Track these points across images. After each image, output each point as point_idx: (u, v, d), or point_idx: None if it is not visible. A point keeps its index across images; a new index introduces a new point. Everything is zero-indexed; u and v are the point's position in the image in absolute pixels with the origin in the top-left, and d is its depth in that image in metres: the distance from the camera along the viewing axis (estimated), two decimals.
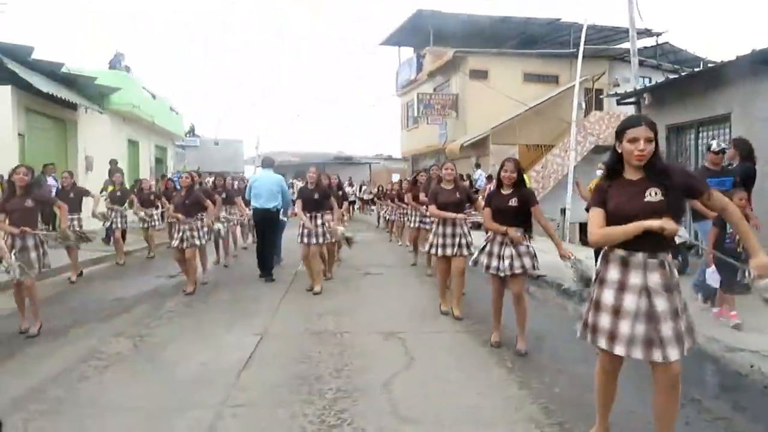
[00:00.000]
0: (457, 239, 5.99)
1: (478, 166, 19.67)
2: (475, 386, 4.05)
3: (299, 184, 8.26)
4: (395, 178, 31.38)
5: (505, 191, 4.92)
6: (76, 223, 8.75)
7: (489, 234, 5.11)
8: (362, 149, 66.13)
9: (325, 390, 3.97)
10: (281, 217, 9.30)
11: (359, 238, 16.47)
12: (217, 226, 8.09)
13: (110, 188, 11.13)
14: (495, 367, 4.52)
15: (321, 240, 7.49)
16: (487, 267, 4.95)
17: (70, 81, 14.02)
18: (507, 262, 4.82)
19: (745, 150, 6.60)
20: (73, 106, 14.34)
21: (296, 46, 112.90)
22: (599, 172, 6.47)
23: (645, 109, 10.05)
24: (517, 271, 4.83)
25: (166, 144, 24.50)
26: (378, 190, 20.72)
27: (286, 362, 4.63)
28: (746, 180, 6.38)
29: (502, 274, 4.90)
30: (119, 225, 10.45)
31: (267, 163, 9.67)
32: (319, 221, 7.39)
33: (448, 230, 6.03)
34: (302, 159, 42.85)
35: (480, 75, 21.61)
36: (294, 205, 7.53)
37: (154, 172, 21.62)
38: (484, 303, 6.80)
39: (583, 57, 17.93)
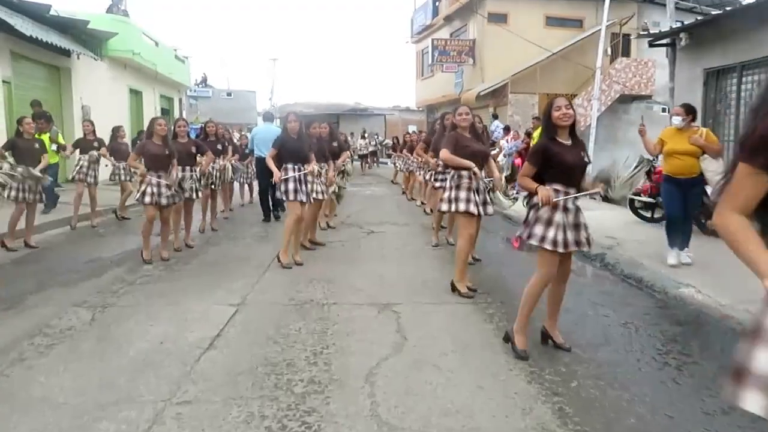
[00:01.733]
0: (482, 196, 5.18)
1: (495, 116, 18.66)
2: (474, 379, 3.36)
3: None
4: (411, 129, 30.42)
5: (565, 139, 3.69)
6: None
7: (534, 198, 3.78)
8: (379, 100, 64.63)
9: (295, 381, 3.32)
10: None
11: (368, 192, 15.93)
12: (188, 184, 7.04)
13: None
14: (500, 352, 3.82)
15: (317, 196, 6.70)
16: (554, 242, 3.59)
17: (61, 25, 13.21)
18: (570, 235, 3.66)
19: None
20: (66, 52, 13.55)
21: None
22: (676, 120, 5.88)
23: (680, 52, 9.01)
24: (584, 247, 3.79)
25: (172, 94, 23.67)
26: (393, 141, 19.81)
27: (258, 342, 3.98)
28: None
29: (565, 250, 3.64)
30: (86, 179, 8.98)
31: (267, 117, 11.35)
32: (309, 177, 6.48)
33: (473, 184, 5.09)
34: (316, 110, 41.81)
35: (499, 19, 20.26)
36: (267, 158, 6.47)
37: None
38: (494, 268, 6.12)
39: None
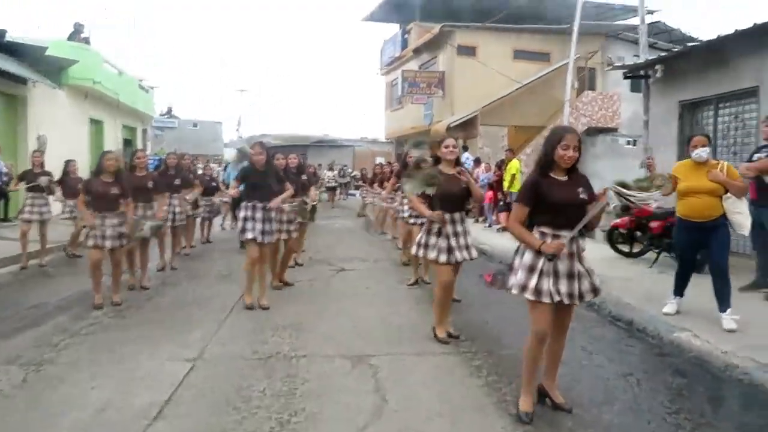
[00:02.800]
0: (463, 239, 4.67)
1: (465, 148, 18.47)
2: None
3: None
4: (379, 161, 30.20)
5: (561, 176, 3.27)
6: None
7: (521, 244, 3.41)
8: (347, 131, 64.57)
9: None
10: None
11: (338, 225, 15.47)
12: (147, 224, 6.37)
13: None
14: (494, 415, 3.38)
15: (277, 235, 6.16)
16: (537, 292, 3.17)
17: (17, 51, 12.59)
18: (564, 285, 3.20)
19: None
20: (23, 80, 12.89)
21: (277, 25, 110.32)
22: (702, 153, 4.88)
23: (654, 85, 8.92)
24: (587, 296, 3.33)
25: (135, 124, 22.97)
26: (362, 173, 19.43)
27: (215, 407, 3.45)
28: None
29: (551, 300, 3.19)
30: (31, 217, 8.30)
31: (241, 150, 11.65)
32: (272, 213, 5.94)
33: (458, 228, 4.64)
34: (284, 142, 41.40)
35: (468, 51, 20.32)
36: (230, 189, 5.98)
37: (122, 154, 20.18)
38: (476, 311, 5.70)
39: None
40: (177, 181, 8.22)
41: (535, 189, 3.22)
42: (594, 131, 20.59)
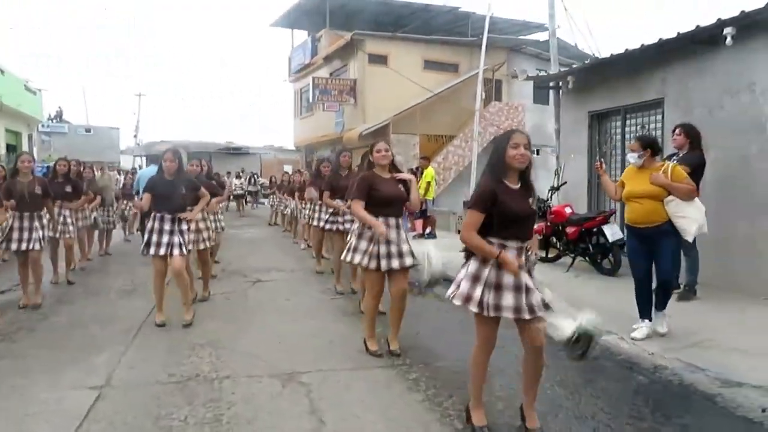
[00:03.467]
0: (400, 247, 4.41)
1: None
2: None
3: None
4: (287, 168, 29.63)
5: (514, 184, 3.07)
6: None
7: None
8: (252, 139, 63.08)
9: None
10: None
11: (248, 235, 14.89)
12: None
13: None
14: (439, 430, 3.19)
15: (191, 246, 5.66)
16: (480, 304, 3.01)
17: None
18: (510, 298, 3.00)
19: (696, 137, 5.87)
20: None
21: (180, 27, 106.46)
22: (631, 158, 4.82)
23: (566, 95, 9.23)
24: (538, 312, 3.03)
25: (20, 128, 21.09)
26: (271, 180, 18.88)
27: None
28: (697, 168, 5.65)
29: (510, 315, 3.03)
30: None
31: (152, 159, 12.80)
32: (184, 225, 5.44)
33: (392, 234, 4.36)
34: (185, 149, 39.61)
35: (379, 60, 20.37)
36: (141, 199, 5.49)
37: (4, 161, 18.40)
38: (409, 324, 5.30)
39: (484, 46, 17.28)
40: (68, 188, 7.45)
41: (493, 197, 2.98)
42: None
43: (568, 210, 8.08)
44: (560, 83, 9.35)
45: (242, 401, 3.59)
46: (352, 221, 7.35)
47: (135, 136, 47.69)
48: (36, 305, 6.08)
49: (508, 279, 3.01)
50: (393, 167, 4.53)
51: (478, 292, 3.02)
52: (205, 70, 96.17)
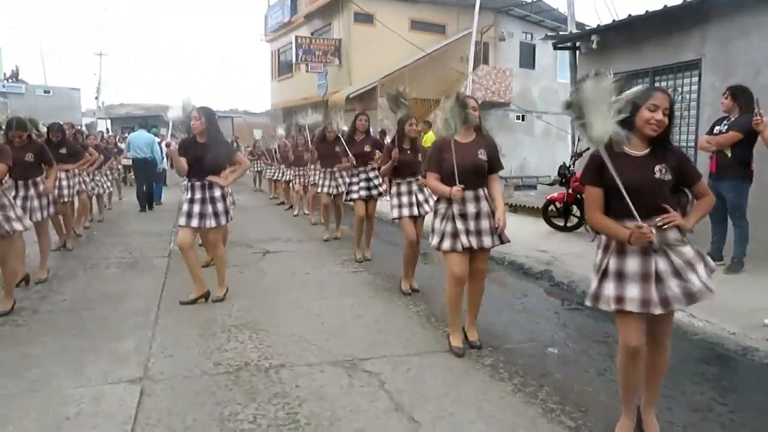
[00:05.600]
0: (479, 223, 3.83)
1: None
2: None
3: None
4: (258, 134, 28.65)
5: (637, 150, 2.59)
6: None
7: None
8: (217, 103, 61.00)
9: None
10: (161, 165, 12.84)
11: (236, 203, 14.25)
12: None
13: None
14: (554, 425, 2.80)
15: (222, 220, 4.98)
16: (618, 300, 2.59)
17: None
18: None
19: (747, 99, 5.50)
20: None
21: None
22: None
23: (585, 56, 8.77)
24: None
25: None
26: (254, 146, 18.06)
27: None
28: (752, 133, 5.32)
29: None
30: None
31: (142, 124, 13.38)
32: (216, 192, 4.88)
33: (470, 208, 3.84)
34: (146, 112, 38.17)
35: (366, 19, 19.52)
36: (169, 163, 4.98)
37: None
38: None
39: (469, 7, 16.64)
40: (62, 150, 6.79)
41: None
42: (487, 105, 20.80)
43: None
44: (577, 44, 8.88)
45: (312, 396, 3.12)
46: (369, 188, 6.91)
47: (96, 98, 45.67)
48: (40, 280, 5.51)
49: (632, 266, 2.54)
50: (479, 128, 3.95)
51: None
52: (171, 28, 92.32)
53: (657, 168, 2.55)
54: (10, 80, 38.15)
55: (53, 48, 79.53)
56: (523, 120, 22.17)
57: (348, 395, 3.16)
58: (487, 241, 3.80)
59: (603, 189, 2.57)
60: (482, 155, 3.84)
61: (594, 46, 8.20)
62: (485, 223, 3.82)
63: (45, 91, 38.29)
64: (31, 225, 4.94)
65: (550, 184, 13.78)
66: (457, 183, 3.69)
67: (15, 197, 5.27)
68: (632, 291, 2.51)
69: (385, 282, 5.79)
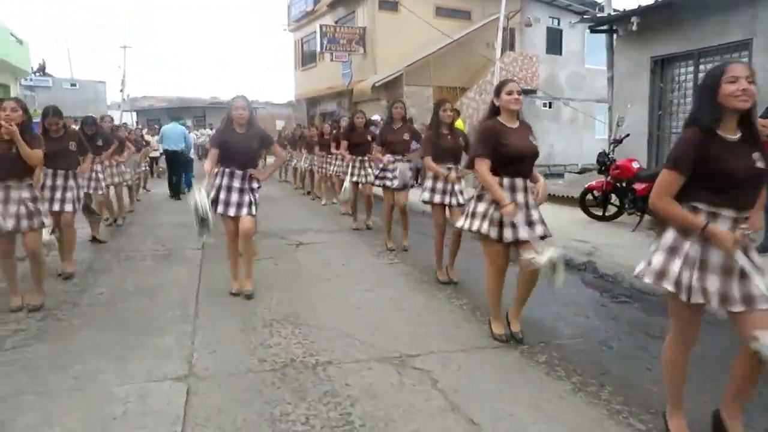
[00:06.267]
0: (530, 213, 3.73)
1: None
2: None
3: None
4: (279, 125, 28.64)
5: (731, 134, 2.38)
6: None
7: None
8: (245, 94, 61.02)
9: None
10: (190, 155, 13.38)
11: (262, 193, 14.21)
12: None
13: None
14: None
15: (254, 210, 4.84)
16: (697, 291, 2.47)
17: None
18: (743, 285, 2.48)
19: None
20: None
21: None
22: None
23: (623, 39, 8.48)
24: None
25: (8, 81, 19.88)
26: (280, 135, 18.00)
27: None
28: None
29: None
30: None
31: (173, 117, 13.78)
32: (255, 183, 4.81)
33: (519, 198, 3.74)
34: (169, 104, 38.43)
35: (391, 6, 19.28)
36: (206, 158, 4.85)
37: None
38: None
39: None
40: (99, 142, 6.82)
41: (702, 153, 2.34)
42: None
43: (635, 165, 7.46)
44: (614, 26, 8.58)
45: (364, 395, 3.00)
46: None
47: (121, 91, 45.97)
48: (68, 276, 5.44)
49: (715, 257, 2.37)
50: (518, 114, 3.80)
51: (675, 268, 2.41)
52: (193, 21, 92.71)
53: (755, 155, 2.36)
54: (37, 74, 38.61)
55: (79, 41, 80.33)
56: (549, 107, 21.78)
57: (400, 394, 3.03)
58: (539, 230, 3.69)
59: (687, 176, 2.37)
60: (534, 141, 3.74)
61: (634, 28, 7.91)
62: (535, 213, 3.71)
63: (71, 85, 38.65)
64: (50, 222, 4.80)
65: (580, 173, 13.48)
66: (512, 171, 3.66)
67: (52, 187, 5.27)
68: (713, 284, 2.35)
69: (422, 274, 5.66)
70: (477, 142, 3.78)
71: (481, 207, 3.75)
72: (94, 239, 7.04)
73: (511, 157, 3.58)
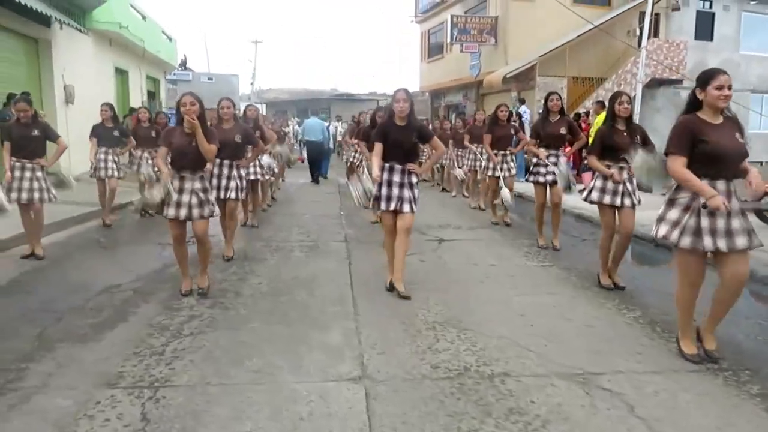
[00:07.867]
0: (730, 221, 3.29)
1: (522, 101, 17.00)
2: None
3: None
4: None
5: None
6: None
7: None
8: (363, 86, 62.28)
9: None
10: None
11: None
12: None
13: None
14: None
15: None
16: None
17: None
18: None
19: None
20: (46, 21, 11.42)
21: None
22: None
23: None
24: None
25: (158, 75, 21.52)
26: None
27: None
28: None
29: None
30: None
31: (314, 111, 13.66)
32: (399, 178, 4.75)
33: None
34: (290, 96, 39.78)
35: None
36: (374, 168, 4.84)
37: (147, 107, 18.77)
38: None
39: None
40: (257, 133, 7.12)
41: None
42: (654, 83, 18.98)
43: None
44: None
45: (554, 416, 2.75)
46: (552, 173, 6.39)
47: (252, 84, 48.54)
48: (229, 257, 5.89)
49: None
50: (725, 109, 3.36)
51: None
52: (320, 18, 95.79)
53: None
54: (180, 68, 41.54)
55: (215, 36, 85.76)
56: None
57: (594, 418, 2.75)
58: (740, 241, 3.23)
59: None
60: (741, 139, 3.29)
61: None
62: (736, 222, 3.25)
63: (209, 78, 41.26)
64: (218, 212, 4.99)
65: None
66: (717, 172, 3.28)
67: (219, 176, 5.60)
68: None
69: (580, 279, 5.28)
70: (671, 138, 3.38)
71: (673, 213, 3.36)
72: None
73: (711, 156, 3.17)
